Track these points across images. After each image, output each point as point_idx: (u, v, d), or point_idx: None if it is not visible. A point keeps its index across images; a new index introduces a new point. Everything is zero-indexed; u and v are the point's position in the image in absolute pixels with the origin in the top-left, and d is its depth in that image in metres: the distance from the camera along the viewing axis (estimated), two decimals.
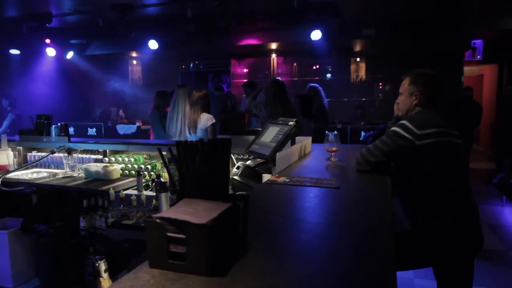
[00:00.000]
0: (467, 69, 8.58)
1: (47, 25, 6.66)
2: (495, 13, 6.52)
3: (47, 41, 7.45)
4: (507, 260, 3.63)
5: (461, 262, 1.80)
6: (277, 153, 1.98)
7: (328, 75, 8.80)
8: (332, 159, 2.26)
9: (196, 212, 0.84)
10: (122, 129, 7.54)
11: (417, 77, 1.98)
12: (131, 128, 7.52)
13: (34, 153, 3.46)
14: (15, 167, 3.31)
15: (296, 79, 8.81)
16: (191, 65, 9.82)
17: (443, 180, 1.80)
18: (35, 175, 3.23)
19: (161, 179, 2.40)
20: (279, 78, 8.88)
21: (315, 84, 5.43)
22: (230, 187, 2.39)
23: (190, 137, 3.86)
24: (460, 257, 1.79)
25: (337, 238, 1.08)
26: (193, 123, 3.85)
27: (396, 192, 1.96)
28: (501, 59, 8.43)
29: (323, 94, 5.30)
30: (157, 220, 0.82)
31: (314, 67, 8.83)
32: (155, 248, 0.83)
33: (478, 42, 7.95)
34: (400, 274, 2.88)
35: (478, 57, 8.11)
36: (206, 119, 3.83)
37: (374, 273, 0.86)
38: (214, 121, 3.86)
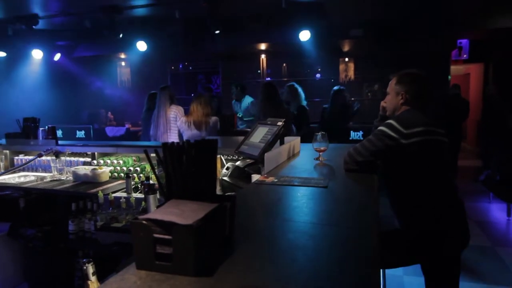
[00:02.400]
0: (453, 68, 8.70)
1: (34, 27, 6.58)
2: (480, 13, 6.62)
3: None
4: (494, 255, 3.69)
5: (448, 258, 1.83)
6: (266, 153, 2.00)
7: (317, 75, 8.84)
8: (320, 158, 2.28)
9: (182, 213, 0.84)
10: (111, 131, 7.48)
11: (403, 77, 2.01)
12: (120, 130, 7.47)
13: (21, 156, 3.42)
14: (2, 171, 3.27)
15: (285, 79, 8.83)
16: (180, 66, 9.79)
17: (429, 178, 1.83)
18: (22, 179, 3.19)
19: (150, 181, 2.39)
20: (269, 79, 8.93)
21: (292, 83, 5.17)
22: (219, 188, 2.39)
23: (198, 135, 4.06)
24: (446, 253, 1.82)
25: (324, 236, 1.10)
26: (203, 125, 4.04)
27: (384, 191, 1.98)
28: (487, 58, 8.57)
29: (301, 93, 5.07)
30: (144, 222, 0.82)
31: (303, 67, 8.86)
32: (142, 250, 0.83)
33: (464, 42, 8.08)
34: (389, 272, 2.91)
35: (465, 56, 8.23)
36: (215, 120, 4.11)
37: (359, 271, 0.87)
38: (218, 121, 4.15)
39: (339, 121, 5.38)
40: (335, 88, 5.52)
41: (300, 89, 5.07)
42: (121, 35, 6.73)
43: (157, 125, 4.37)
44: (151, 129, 4.44)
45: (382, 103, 2.16)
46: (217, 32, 6.10)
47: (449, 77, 7.84)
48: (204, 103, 4.12)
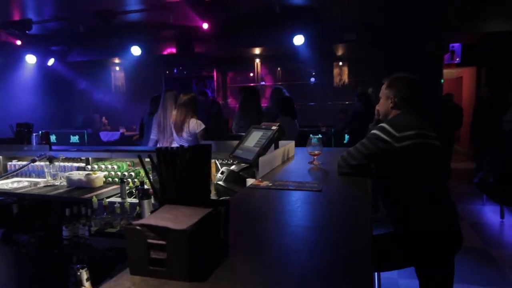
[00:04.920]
0: (446, 72, 8.78)
1: (27, 32, 6.57)
2: (472, 17, 6.70)
3: (18, 42, 7.28)
4: (488, 257, 3.71)
5: (441, 260, 1.84)
6: (260, 158, 2.00)
7: (312, 79, 8.88)
8: (314, 162, 2.29)
9: (176, 218, 0.85)
10: (105, 136, 7.45)
11: (393, 81, 2.04)
12: (115, 135, 7.44)
13: (14, 162, 3.40)
14: None
15: (280, 83, 8.87)
16: (175, 70, 9.79)
17: (422, 181, 1.84)
18: (15, 185, 3.17)
19: (145, 186, 2.39)
20: (264, 83, 8.96)
21: (279, 86, 5.20)
22: (214, 192, 2.40)
23: (178, 140, 3.82)
24: (439, 256, 1.83)
25: (318, 240, 1.10)
26: (179, 125, 3.77)
27: (378, 194, 1.99)
28: (479, 62, 8.66)
29: (287, 94, 5.00)
30: (137, 227, 0.82)
31: (298, 71, 8.90)
32: (136, 255, 0.83)
33: (457, 46, 8.15)
34: (384, 275, 2.92)
35: (457, 60, 8.31)
36: (195, 124, 3.74)
37: (353, 274, 0.88)
38: (203, 126, 3.78)
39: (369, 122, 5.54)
40: (360, 91, 5.90)
41: (286, 93, 5.06)
42: (115, 40, 6.73)
43: (163, 129, 4.06)
44: (155, 133, 4.15)
45: (377, 107, 2.18)
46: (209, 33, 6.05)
47: (442, 80, 7.92)
48: (181, 104, 3.79)
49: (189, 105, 3.78)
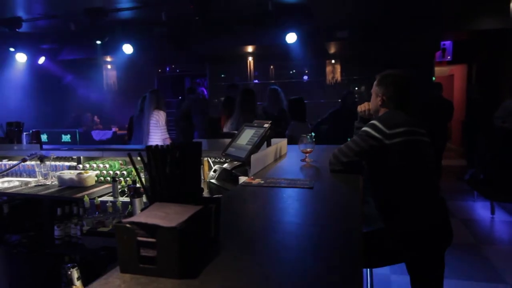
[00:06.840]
0: (438, 70, 8.83)
1: (17, 30, 6.49)
2: (463, 15, 6.75)
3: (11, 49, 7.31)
4: (479, 253, 3.75)
5: (431, 257, 1.86)
6: (252, 155, 2.00)
7: (305, 77, 8.90)
8: (306, 160, 2.30)
9: (166, 216, 0.85)
10: (97, 135, 7.40)
11: (382, 79, 2.05)
12: (107, 134, 7.39)
13: (4, 161, 3.37)
14: None
15: (273, 81, 8.87)
16: (167, 69, 9.74)
17: (412, 177, 1.86)
18: (6, 184, 3.14)
19: (136, 185, 2.38)
20: (256, 81, 8.96)
21: (274, 86, 5.09)
22: (207, 190, 2.39)
23: None
24: (429, 252, 1.85)
25: (309, 237, 1.11)
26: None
27: (368, 190, 2.01)
28: (470, 60, 8.73)
29: (283, 96, 4.95)
30: (127, 225, 0.82)
31: (291, 69, 8.91)
32: (126, 253, 0.83)
33: (448, 43, 8.22)
34: (376, 271, 2.94)
35: (448, 57, 8.37)
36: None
37: (343, 270, 0.88)
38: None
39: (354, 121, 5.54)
40: (345, 91, 5.89)
41: (282, 94, 4.96)
42: (106, 38, 6.68)
43: (141, 128, 4.45)
44: (138, 132, 4.50)
45: (364, 105, 2.22)
46: (202, 31, 6.10)
47: (433, 78, 7.96)
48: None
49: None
